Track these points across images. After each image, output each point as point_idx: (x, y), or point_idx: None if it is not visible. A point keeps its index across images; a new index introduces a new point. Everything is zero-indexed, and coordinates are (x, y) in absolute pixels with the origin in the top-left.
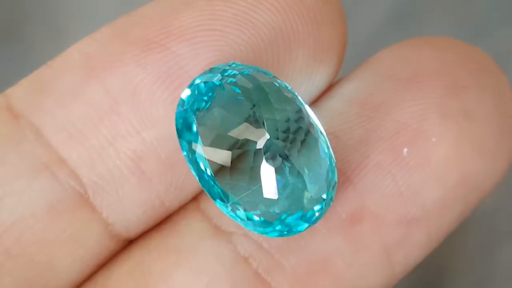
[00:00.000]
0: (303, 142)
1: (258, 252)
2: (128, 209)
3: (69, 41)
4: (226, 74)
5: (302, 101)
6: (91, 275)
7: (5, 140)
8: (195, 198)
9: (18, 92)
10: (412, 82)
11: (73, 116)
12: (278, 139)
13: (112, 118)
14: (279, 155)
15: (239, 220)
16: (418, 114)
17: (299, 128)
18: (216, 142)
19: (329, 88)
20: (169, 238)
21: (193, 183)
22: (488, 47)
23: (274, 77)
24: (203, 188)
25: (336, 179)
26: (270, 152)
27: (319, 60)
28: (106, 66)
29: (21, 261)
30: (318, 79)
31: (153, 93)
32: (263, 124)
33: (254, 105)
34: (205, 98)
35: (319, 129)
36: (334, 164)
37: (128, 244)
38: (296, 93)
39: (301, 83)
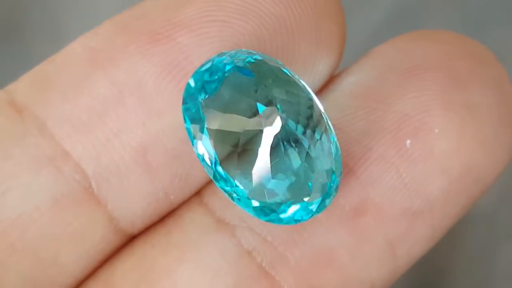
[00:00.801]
0: (315, 129)
1: (262, 245)
2: (133, 202)
3: (69, 41)
4: (236, 58)
5: (310, 90)
6: (95, 270)
7: (9, 134)
8: (198, 192)
9: (20, 86)
10: (414, 74)
11: (77, 108)
12: (292, 121)
13: (117, 110)
14: (291, 139)
15: (243, 206)
16: (420, 106)
17: (312, 114)
18: (224, 125)
19: (331, 80)
20: (172, 233)
21: (198, 175)
22: (488, 47)
23: (282, 65)
24: (208, 174)
25: (341, 169)
26: (283, 134)
27: (321, 52)
28: (110, 59)
29: (26, 255)
30: (320, 71)
31: (158, 84)
32: (277, 105)
33: (267, 88)
34: (214, 81)
35: (327, 118)
36: (340, 155)
37: (132, 239)
38: (304, 83)
39: (304, 73)
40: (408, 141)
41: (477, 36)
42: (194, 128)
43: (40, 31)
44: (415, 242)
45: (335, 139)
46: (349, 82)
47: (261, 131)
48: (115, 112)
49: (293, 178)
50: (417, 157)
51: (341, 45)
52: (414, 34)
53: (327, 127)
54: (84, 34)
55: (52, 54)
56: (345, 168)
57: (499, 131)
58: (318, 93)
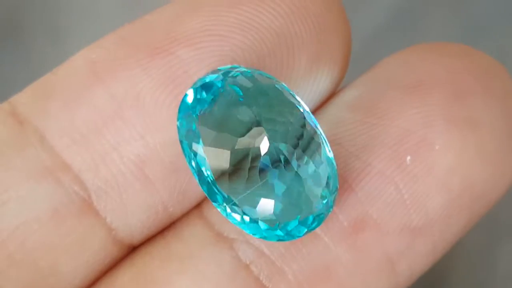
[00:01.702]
0: (305, 146)
1: (259, 259)
2: (131, 214)
3: (69, 42)
4: (228, 75)
5: (305, 106)
6: (94, 282)
7: (10, 145)
8: (198, 205)
9: (23, 98)
10: (417, 89)
11: (77, 121)
12: (280, 142)
13: (116, 123)
14: (280, 158)
15: (237, 223)
16: (422, 121)
17: (302, 132)
18: (216, 143)
19: (333, 95)
20: (171, 245)
21: (196, 188)
22: (488, 47)
23: (277, 81)
24: (203, 189)
25: (337, 185)
26: (271, 155)
27: (322, 66)
28: (110, 71)
29: (25, 266)
30: (321, 85)
31: (157, 97)
32: (264, 126)
33: (256, 107)
34: (207, 99)
35: (322, 135)
36: (335, 171)
37: (131, 250)
38: (299, 98)
39: (305, 88)
40: (409, 157)
41: (477, 36)
42: (188, 145)
43: (40, 31)
44: (415, 258)
45: (331, 156)
46: (351, 96)
47: (248, 152)
48: (113, 125)
49: (284, 197)
50: (417, 173)
51: (344, 59)
52: (418, 48)
53: (322, 143)
54: (87, 46)
55: (52, 54)
56: (344, 183)
57: (503, 147)
58: (320, 107)
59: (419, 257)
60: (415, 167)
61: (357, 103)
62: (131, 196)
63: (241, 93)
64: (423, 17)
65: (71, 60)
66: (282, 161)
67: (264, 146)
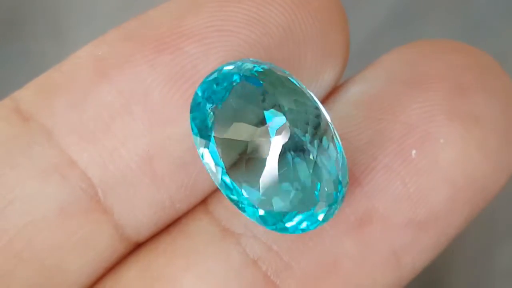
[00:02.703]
0: (322, 138)
1: (267, 254)
2: (139, 210)
3: (70, 41)
4: (244, 67)
5: (316, 99)
6: (100, 278)
7: (15, 143)
8: (204, 201)
9: (26, 94)
10: (419, 84)
11: (84, 117)
12: (299, 130)
13: (124, 118)
14: (299, 149)
15: (249, 214)
16: (425, 116)
17: (318, 124)
18: (231, 134)
19: (335, 90)
20: (178, 241)
21: (203, 183)
22: (488, 47)
23: (289, 74)
24: (215, 182)
25: (347, 179)
26: (290, 143)
27: (327, 61)
28: (117, 67)
29: (32, 264)
30: (325, 80)
31: (165, 92)
32: (284, 113)
33: (275, 97)
34: (222, 91)
35: (333, 128)
36: (346, 164)
37: (137, 247)
38: (310, 91)
39: (310, 82)
40: (414, 151)
41: (477, 36)
42: (201, 137)
43: (40, 31)
44: (420, 252)
45: (341, 149)
46: (354, 92)
47: (268, 140)
48: (121, 120)
49: (299, 188)
50: (422, 167)
51: (345, 54)
52: (419, 44)
53: (334, 136)
54: (91, 42)
55: (52, 53)
56: (350, 178)
57: (504, 141)
58: (323, 102)
59: (423, 250)
60: (420, 161)
61: (361, 99)
62: (138, 192)
63: (260, 84)
64: (423, 17)
65: (74, 56)
66: (301, 151)
67: (285, 135)
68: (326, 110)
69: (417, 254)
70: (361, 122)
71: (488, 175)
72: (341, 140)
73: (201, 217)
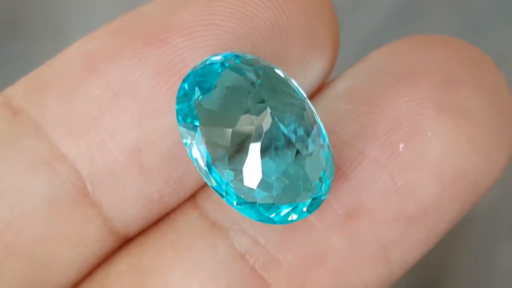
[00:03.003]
0: (307, 129)
1: (254, 248)
2: (127, 203)
3: (69, 41)
4: (229, 58)
5: (303, 92)
6: (90, 272)
7: (5, 137)
8: (193, 195)
9: (17, 90)
10: (408, 78)
11: (73, 110)
12: (283, 121)
13: (112, 111)
14: (282, 139)
15: (234, 205)
16: (413, 110)
17: (303, 115)
18: (216, 124)
19: (325, 85)
20: (166, 235)
21: (192, 177)
22: (488, 47)
23: (276, 66)
24: (201, 174)
25: (333, 170)
26: (273, 134)
27: (314, 55)
28: (106, 61)
29: (21, 256)
30: (313, 74)
31: (153, 86)
32: (268, 104)
33: (258, 87)
34: (208, 82)
35: (320, 121)
36: (332, 156)
37: (126, 242)
38: (297, 84)
39: (297, 77)
40: (401, 145)
41: (477, 36)
42: (187, 128)
43: (40, 31)
44: (409, 246)
45: (327, 141)
46: (343, 86)
47: (252, 130)
48: (110, 114)
49: (284, 179)
50: (410, 161)
51: (334, 49)
52: (409, 39)
53: (320, 129)
54: (81, 38)
55: (52, 53)
56: (337, 171)
57: (495, 135)
58: (312, 96)
59: (412, 245)
60: (407, 155)
61: (350, 93)
62: (127, 185)
63: (244, 74)
64: (423, 17)
65: (65, 51)
66: (284, 141)
67: (266, 123)
68: (312, 103)
69: (406, 249)
70: (348, 116)
71: (478, 169)
72: (329, 133)
73: (190, 212)
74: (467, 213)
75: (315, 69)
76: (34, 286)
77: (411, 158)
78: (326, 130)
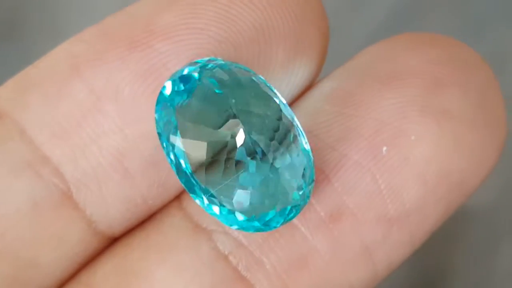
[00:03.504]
0: (282, 138)
1: (238, 249)
2: (111, 206)
3: None
4: (205, 68)
5: (282, 98)
6: (75, 273)
7: None
8: (178, 196)
9: (3, 92)
10: (393, 80)
11: (57, 114)
12: (256, 134)
13: (95, 115)
14: (256, 150)
15: (214, 214)
16: (397, 112)
17: (278, 125)
18: (194, 135)
19: (310, 87)
20: (152, 236)
21: (175, 181)
22: (488, 47)
23: (254, 73)
24: (181, 182)
25: (313, 176)
26: (247, 147)
27: (300, 58)
28: (90, 65)
29: (5, 258)
30: (299, 76)
31: (135, 90)
32: (240, 118)
33: (232, 99)
34: (184, 91)
35: (298, 127)
36: (312, 162)
37: (112, 242)
38: (276, 91)
39: (282, 79)
40: (385, 148)
41: (477, 36)
42: (165, 137)
43: (40, 31)
44: (393, 248)
45: (308, 148)
46: (328, 87)
47: (225, 143)
48: (93, 118)
49: (261, 190)
50: (393, 164)
51: (322, 52)
52: (396, 39)
53: (299, 135)
54: (69, 39)
55: None
56: (320, 174)
57: (480, 137)
58: (297, 98)
59: (396, 246)
60: (391, 158)
61: (334, 94)
62: (110, 189)
63: (218, 85)
64: (423, 17)
65: (52, 53)
66: (258, 153)
67: (240, 138)
68: (293, 108)
69: (390, 250)
70: (332, 118)
71: (463, 170)
72: (311, 136)
73: (175, 213)
74: (467, 213)
75: (301, 72)
76: (18, 285)
77: (394, 160)
78: (309, 132)
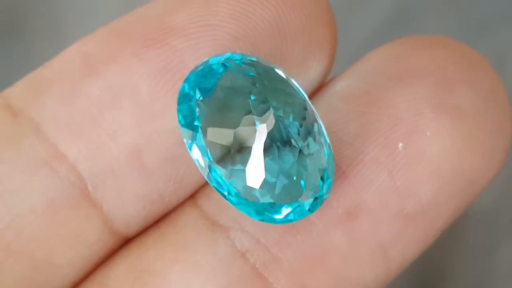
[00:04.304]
0: (308, 128)
1: (255, 247)
2: (128, 204)
3: (69, 41)
4: (230, 59)
5: (304, 92)
6: (90, 272)
7: (5, 138)
8: (193, 195)
9: (17, 91)
10: (405, 78)
11: (73, 111)
12: (287, 120)
13: (112, 112)
14: (285, 138)
15: (236, 205)
16: (412, 109)
17: (305, 114)
18: (219, 124)
19: (323, 86)
20: (167, 235)
21: (192, 177)
22: (488, 47)
23: (276, 66)
24: (202, 174)
25: (334, 170)
26: (277, 132)
27: (313, 56)
28: (105, 63)
29: (21, 257)
30: (312, 74)
31: (153, 86)
32: (271, 104)
33: (260, 87)
34: (209, 82)
35: (320, 121)
36: (332, 156)
37: (127, 241)
38: (297, 84)
39: (297, 77)
40: (400, 144)
41: (477, 36)
42: (188, 128)
43: (40, 31)
44: (408, 244)
45: (328, 141)
46: (342, 86)
47: (254, 130)
48: (110, 114)
49: (286, 178)
50: (409, 160)
51: (332, 49)
52: (407, 40)
53: (320, 128)
54: (80, 39)
55: (52, 54)
56: (337, 171)
57: (492, 134)
58: (311, 97)
59: (411, 243)
60: (407, 154)
61: (348, 93)
62: (127, 186)
63: (247, 74)
64: (423, 17)
65: (64, 53)
66: (287, 141)
67: (270, 123)
68: (312, 103)
69: (405, 247)
70: (348, 116)
71: (476, 168)
72: (328, 132)
73: (190, 211)
74: (467, 213)
75: (314, 69)
76: (35, 286)
77: (410, 157)
78: (326, 129)
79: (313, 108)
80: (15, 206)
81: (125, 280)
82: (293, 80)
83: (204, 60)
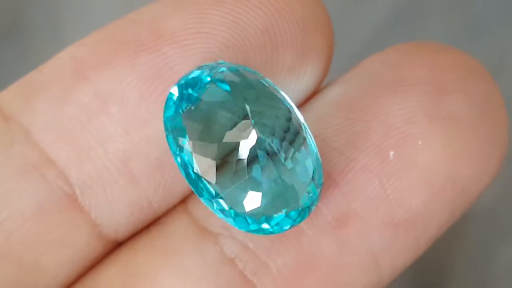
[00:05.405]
0: (292, 140)
1: (244, 253)
2: (116, 210)
3: (69, 42)
4: (214, 70)
5: (289, 101)
6: (79, 276)
7: None
8: (183, 200)
9: (8, 95)
10: (399, 86)
11: (62, 117)
12: (267, 135)
13: (101, 118)
14: (267, 152)
15: (223, 217)
16: (404, 118)
17: (288, 126)
18: (203, 137)
19: (318, 91)
20: (156, 240)
21: (181, 184)
22: (488, 47)
23: (262, 76)
24: (189, 184)
25: (322, 180)
26: (258, 148)
27: (306, 64)
28: (95, 68)
29: (10, 259)
30: (305, 81)
31: (142, 93)
32: (252, 119)
33: (244, 100)
34: (194, 94)
35: (307, 129)
36: (320, 165)
37: (116, 246)
38: (284, 94)
39: (289, 84)
40: (392, 153)
41: (477, 36)
42: (174, 138)
43: (40, 31)
44: (399, 253)
45: (316, 150)
46: (334, 93)
47: (237, 145)
48: (98, 121)
49: (271, 191)
50: (400, 169)
51: (327, 57)
52: (402, 47)
53: (307, 138)
54: (72, 44)
55: (51, 54)
56: (328, 178)
57: (486, 142)
58: (304, 104)
59: (402, 251)
60: (398, 163)
61: (341, 100)
62: (116, 192)
63: (228, 88)
64: (423, 17)
65: (56, 57)
66: (270, 154)
67: (252, 138)
68: (301, 112)
69: (396, 255)
70: (340, 123)
71: (468, 176)
72: (319, 141)
73: (180, 217)
74: (467, 213)
75: (307, 77)
76: None
77: (401, 165)
78: (316, 137)
79: (300, 118)
80: (4, 210)
81: (115, 284)
82: (279, 90)
83: (191, 71)
